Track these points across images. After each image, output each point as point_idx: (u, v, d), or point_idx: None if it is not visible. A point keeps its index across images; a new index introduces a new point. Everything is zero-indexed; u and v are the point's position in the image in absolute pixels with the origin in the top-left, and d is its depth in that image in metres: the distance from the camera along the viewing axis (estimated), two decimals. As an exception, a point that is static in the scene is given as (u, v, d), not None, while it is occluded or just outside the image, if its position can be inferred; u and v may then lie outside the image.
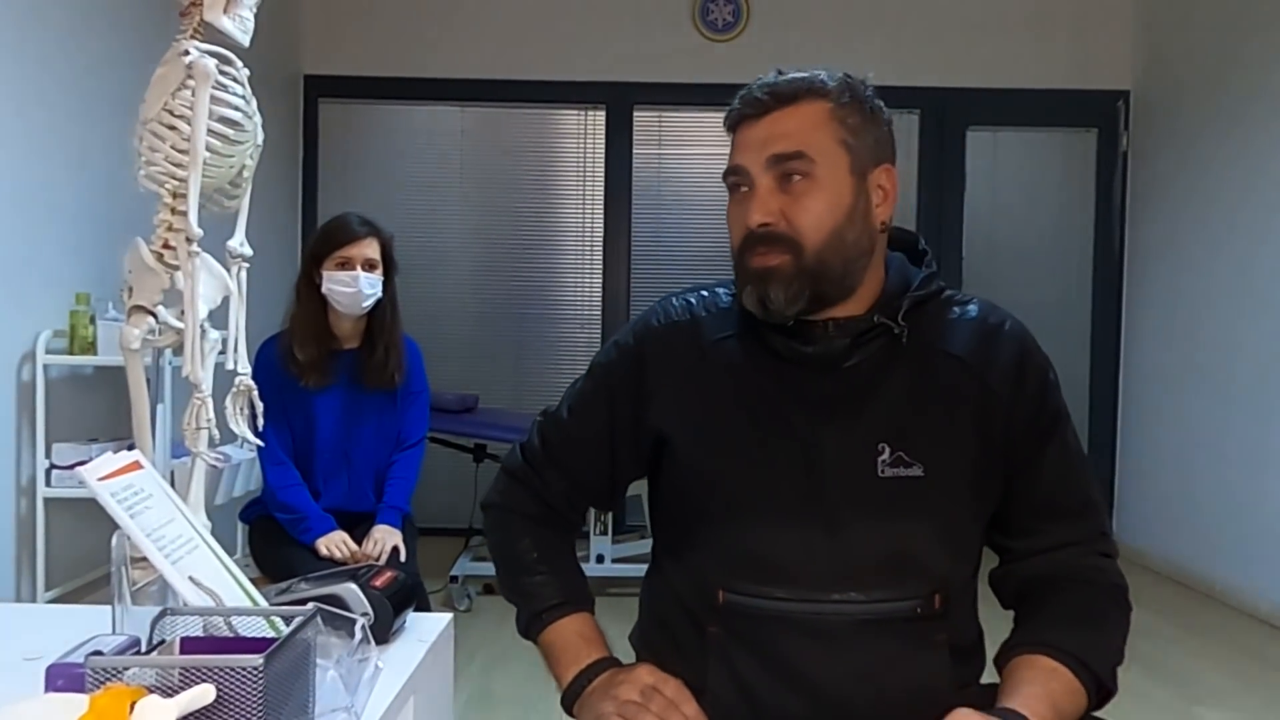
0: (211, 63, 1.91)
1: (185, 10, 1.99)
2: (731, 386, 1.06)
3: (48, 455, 2.60)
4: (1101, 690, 0.99)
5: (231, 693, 0.57)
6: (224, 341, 2.03)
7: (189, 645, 0.67)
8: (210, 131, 1.90)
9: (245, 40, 2.06)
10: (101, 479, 0.72)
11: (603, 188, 4.54)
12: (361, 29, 4.46)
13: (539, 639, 1.11)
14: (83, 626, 0.95)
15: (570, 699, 1.05)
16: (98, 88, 2.90)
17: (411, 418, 2.46)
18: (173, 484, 2.02)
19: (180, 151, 1.90)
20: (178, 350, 2.00)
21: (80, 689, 0.59)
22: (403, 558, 2.27)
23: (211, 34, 1.98)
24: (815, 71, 1.04)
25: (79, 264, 2.79)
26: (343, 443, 2.38)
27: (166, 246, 1.95)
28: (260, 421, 1.95)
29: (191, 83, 1.90)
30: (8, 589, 2.57)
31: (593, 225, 4.56)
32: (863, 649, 0.99)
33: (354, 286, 2.28)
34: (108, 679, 0.59)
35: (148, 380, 1.97)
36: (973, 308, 1.09)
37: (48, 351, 2.60)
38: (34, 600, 2.59)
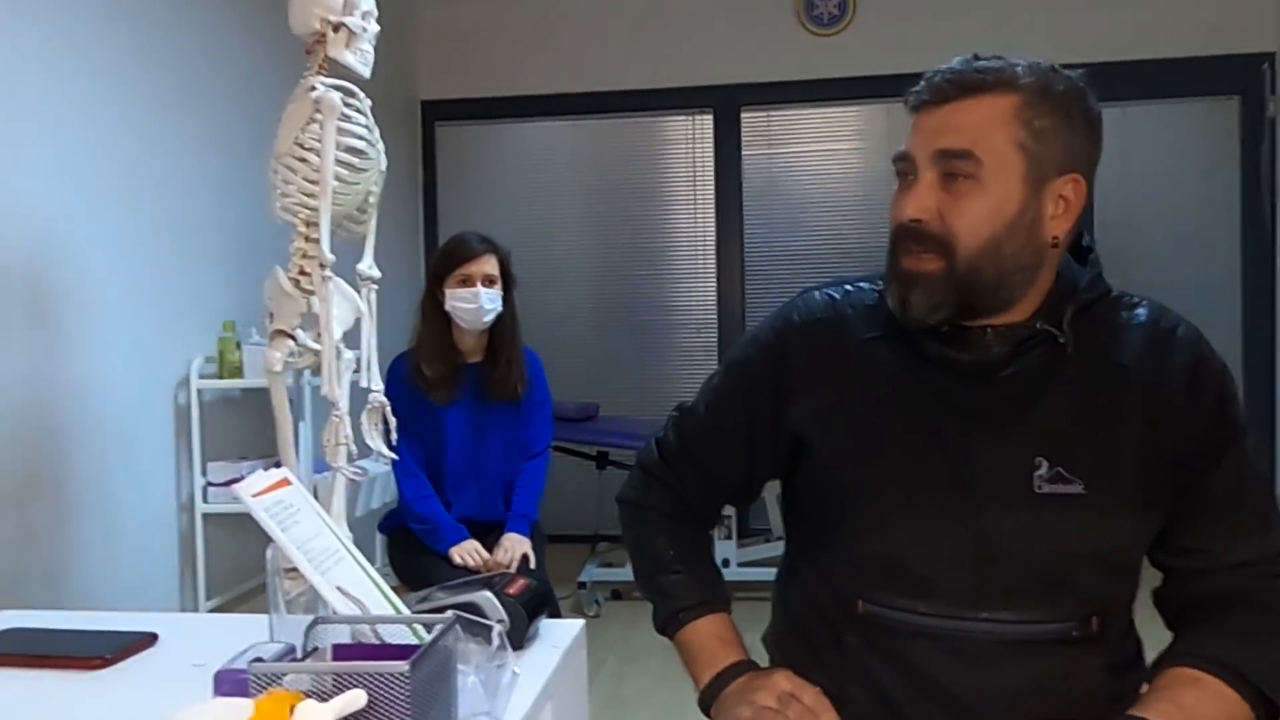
0: (336, 96, 2.01)
1: (310, 48, 2.11)
2: (878, 390, 1.01)
3: (204, 473, 2.78)
4: (1271, 706, 0.92)
5: (381, 697, 0.59)
6: (357, 360, 2.14)
7: (340, 652, 0.71)
8: (338, 161, 2.00)
9: (366, 72, 2.16)
10: (255, 495, 0.76)
11: (713, 191, 4.53)
12: (473, 52, 4.59)
13: (675, 637, 1.10)
14: (241, 634, 1.01)
15: (707, 701, 1.04)
16: (239, 128, 3.09)
17: (536, 427, 2.52)
18: (316, 498, 2.14)
19: (311, 182, 2.01)
20: (316, 370, 2.12)
21: (244, 693, 0.63)
22: (533, 565, 2.32)
23: (335, 68, 2.09)
24: (1014, 62, 0.96)
25: (225, 294, 2.98)
26: (471, 454, 2.46)
27: (302, 273, 2.06)
28: (394, 436, 2.04)
29: (319, 116, 2.00)
30: (172, 600, 2.76)
31: (705, 229, 4.56)
32: (1013, 669, 0.95)
33: (475, 303, 2.35)
34: (269, 684, 0.63)
35: (289, 400, 2.09)
36: (1142, 311, 1.01)
37: (200, 376, 2.78)
38: (196, 609, 2.77)
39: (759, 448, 1.10)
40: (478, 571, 2.30)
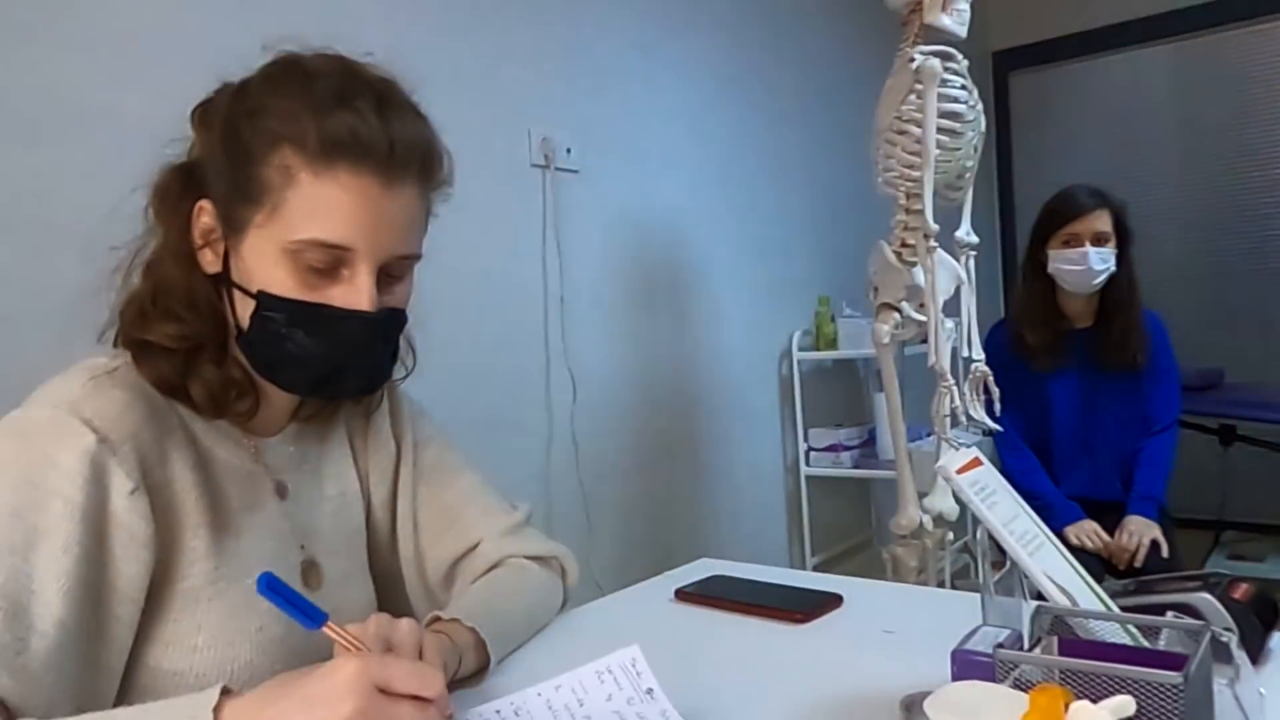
0: (936, 62, 1.98)
1: (905, 19, 2.11)
2: None
3: (805, 439, 2.99)
4: None
5: (1149, 708, 0.55)
6: (956, 329, 2.11)
7: (1066, 647, 0.67)
8: (938, 129, 1.98)
9: (963, 33, 2.10)
10: (958, 472, 0.76)
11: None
12: (1045, -10, 4.24)
13: None
14: (921, 606, 1.04)
15: None
16: (822, 115, 3.24)
17: (1161, 399, 2.24)
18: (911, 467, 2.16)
19: (912, 154, 2.01)
20: (917, 341, 2.13)
21: (981, 676, 0.63)
22: (1164, 554, 2.07)
23: (930, 35, 2.06)
24: None
25: (819, 271, 3.16)
26: (1082, 428, 2.27)
27: (904, 245, 2.08)
28: (997, 407, 1.97)
29: (919, 86, 1.99)
30: (782, 555, 3.02)
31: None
32: None
33: (1082, 264, 2.16)
34: (1009, 672, 0.62)
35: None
36: None
37: (799, 349, 2.99)
38: (804, 566, 2.99)
39: None
40: (1096, 556, 2.12)
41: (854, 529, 3.28)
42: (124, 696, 0.77)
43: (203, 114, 0.84)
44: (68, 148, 1.43)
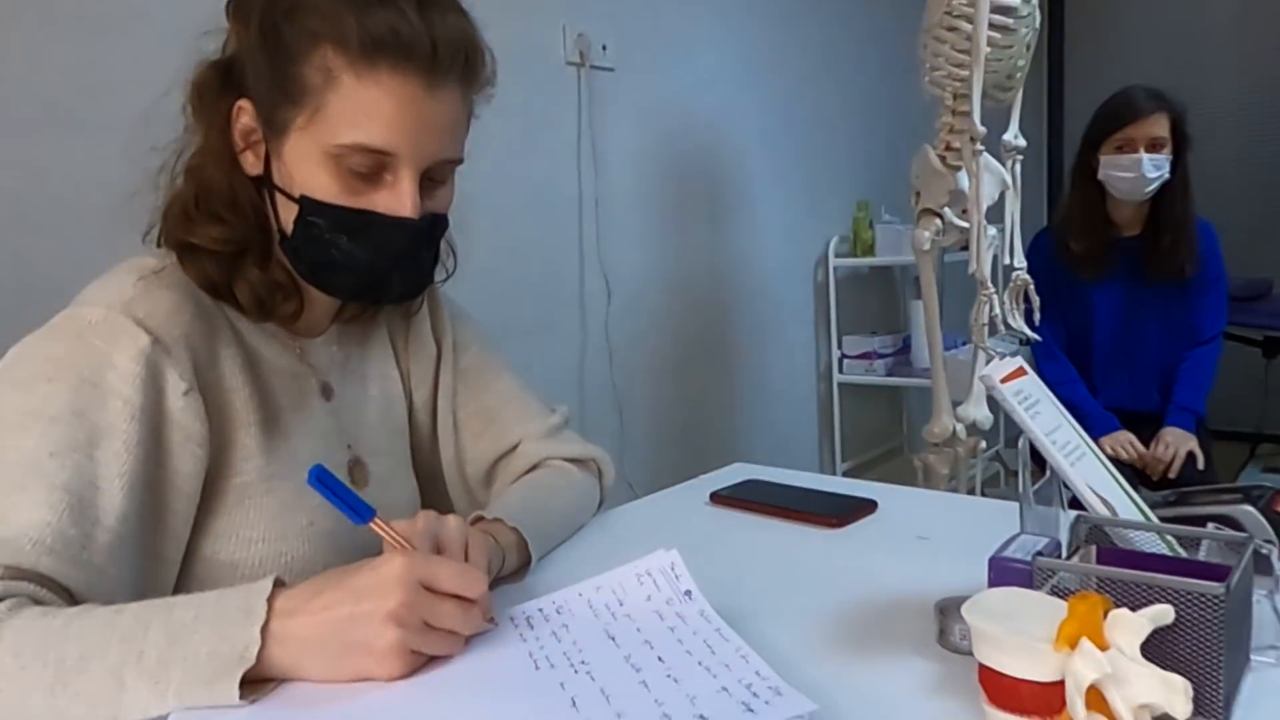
0: (996, -48, 1.88)
1: (960, -93, 2.00)
2: None
3: (839, 346, 2.97)
4: None
5: (1188, 617, 0.55)
6: (999, 235, 2.06)
7: (1105, 556, 0.68)
8: (990, 25, 1.90)
9: (1027, -80, 1.98)
10: (1001, 381, 0.76)
11: None
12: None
13: None
14: (953, 513, 1.04)
15: None
16: (863, 14, 3.12)
17: (1207, 309, 2.20)
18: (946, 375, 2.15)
19: (961, 52, 1.93)
20: (957, 248, 2.09)
21: (1017, 583, 0.64)
22: (1200, 465, 2.06)
23: (986, -78, 1.95)
24: None
25: (858, 176, 3.09)
26: (1123, 338, 2.23)
27: (949, 149, 2.02)
28: (1036, 316, 1.94)
29: (971, -21, 1.90)
30: (812, 461, 3.04)
31: None
32: None
33: (1135, 171, 2.09)
34: (1047, 579, 0.62)
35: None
36: None
37: (835, 255, 2.95)
38: (834, 472, 3.02)
39: None
40: (1131, 466, 2.11)
41: (885, 436, 3.29)
42: (182, 586, 0.80)
43: (238, 6, 0.81)
44: (112, 41, 1.41)
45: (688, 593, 0.74)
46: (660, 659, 0.65)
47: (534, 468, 1.02)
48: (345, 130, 0.75)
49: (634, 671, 0.64)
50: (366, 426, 0.96)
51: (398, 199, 0.78)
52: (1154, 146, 2.08)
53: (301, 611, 0.64)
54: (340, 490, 0.70)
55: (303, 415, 0.88)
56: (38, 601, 0.66)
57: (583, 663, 0.66)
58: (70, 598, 0.69)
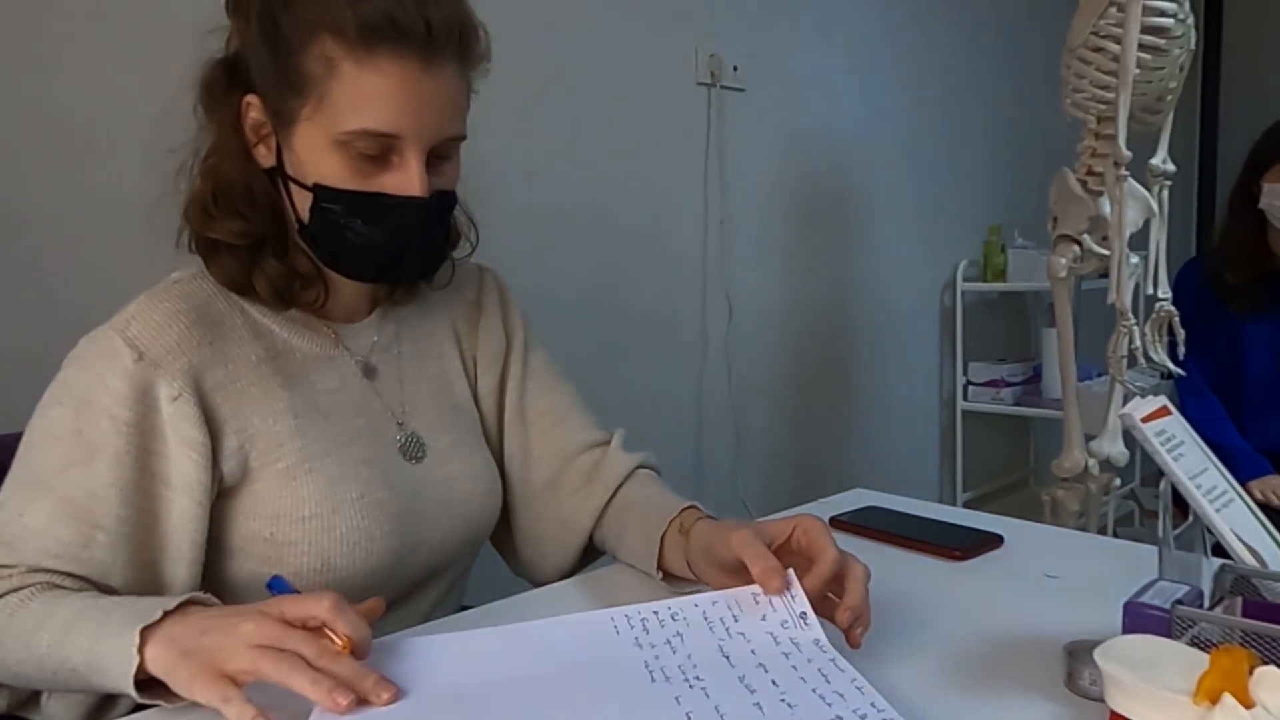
0: (1147, -30, 1.81)
1: (1111, -77, 1.92)
2: None
3: (965, 372, 2.89)
4: None
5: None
6: (1143, 264, 1.96)
7: (1251, 609, 0.64)
8: (1140, 46, 1.82)
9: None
10: (1143, 420, 0.73)
11: None
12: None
13: None
14: (1089, 555, 1.00)
15: None
16: (1001, 33, 3.04)
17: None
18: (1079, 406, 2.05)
19: (1107, 74, 1.86)
20: (1096, 275, 2.00)
21: (1156, 630, 0.61)
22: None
23: (1137, -60, 1.87)
24: None
25: (991, 199, 3.01)
26: (1278, 376, 2.09)
27: (1090, 173, 1.94)
28: (1181, 350, 1.84)
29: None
30: (932, 489, 2.96)
31: None
32: None
33: (1300, 201, 1.96)
34: (1186, 629, 0.59)
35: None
36: None
37: (964, 279, 2.87)
38: (954, 503, 2.93)
39: None
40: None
41: (1009, 468, 3.17)
42: (245, 568, 0.86)
43: (236, 2, 0.85)
44: (123, 49, 1.39)
45: (803, 615, 0.74)
46: (774, 682, 0.65)
47: (629, 476, 1.03)
48: (350, 117, 0.79)
49: (748, 693, 0.64)
50: (421, 404, 0.98)
51: (406, 179, 0.81)
52: (1324, 175, 1.95)
53: (183, 624, 0.68)
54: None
55: (343, 396, 0.92)
56: (56, 586, 0.77)
57: (698, 678, 0.66)
58: (77, 580, 0.79)
